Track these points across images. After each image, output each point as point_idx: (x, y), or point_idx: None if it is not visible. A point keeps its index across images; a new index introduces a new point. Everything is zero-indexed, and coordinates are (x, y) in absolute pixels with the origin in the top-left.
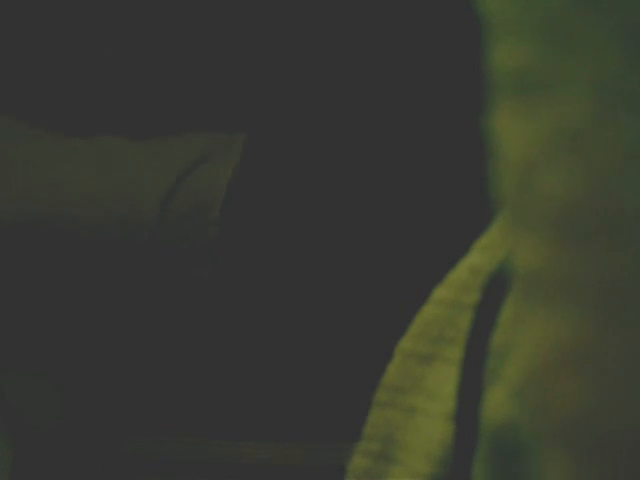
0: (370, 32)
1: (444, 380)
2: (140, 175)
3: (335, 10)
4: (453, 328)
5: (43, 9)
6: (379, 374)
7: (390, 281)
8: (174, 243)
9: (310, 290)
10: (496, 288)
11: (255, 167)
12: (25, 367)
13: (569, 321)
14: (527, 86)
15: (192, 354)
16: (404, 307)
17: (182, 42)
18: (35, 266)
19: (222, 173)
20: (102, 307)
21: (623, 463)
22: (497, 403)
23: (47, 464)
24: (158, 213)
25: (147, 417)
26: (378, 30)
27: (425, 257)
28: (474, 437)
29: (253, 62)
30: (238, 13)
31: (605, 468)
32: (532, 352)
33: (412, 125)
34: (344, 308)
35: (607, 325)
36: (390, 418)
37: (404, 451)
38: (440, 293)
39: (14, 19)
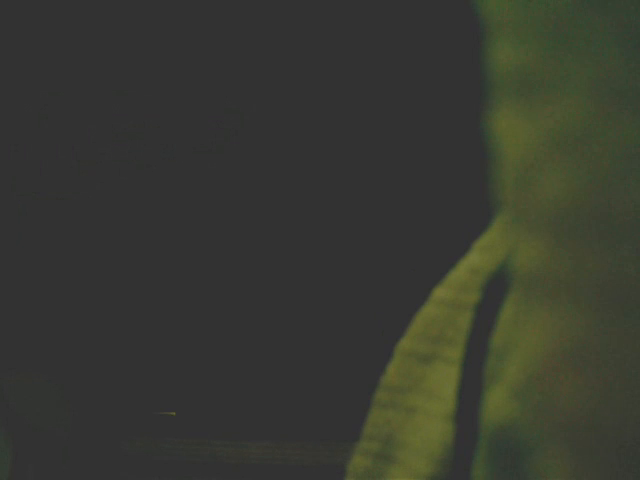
0: (370, 32)
1: (444, 380)
2: None
3: (335, 10)
4: (453, 328)
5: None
6: (379, 374)
7: (390, 281)
8: None
9: (311, 291)
10: (496, 288)
11: (255, 167)
12: (25, 367)
13: (569, 321)
14: (527, 86)
15: (193, 355)
16: (404, 307)
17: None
18: None
19: None
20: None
21: (623, 462)
22: (497, 403)
23: (47, 464)
24: None
25: (147, 417)
26: (378, 30)
27: (425, 257)
28: (474, 437)
29: (252, 67)
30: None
31: (605, 467)
32: (532, 352)
33: (412, 125)
34: (344, 308)
35: (607, 325)
36: (390, 418)
37: (404, 451)
38: (440, 293)
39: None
